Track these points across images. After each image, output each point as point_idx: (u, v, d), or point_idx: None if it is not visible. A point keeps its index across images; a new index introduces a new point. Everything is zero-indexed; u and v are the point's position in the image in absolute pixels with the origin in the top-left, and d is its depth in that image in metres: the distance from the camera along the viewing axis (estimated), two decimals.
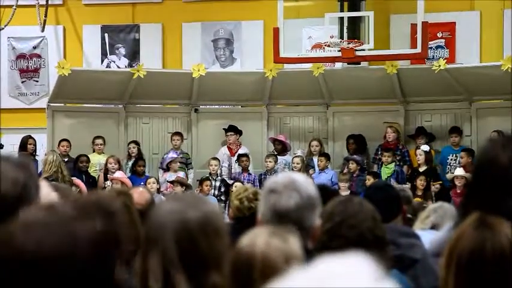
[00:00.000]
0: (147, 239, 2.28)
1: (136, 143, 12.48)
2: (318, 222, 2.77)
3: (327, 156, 12.17)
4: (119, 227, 1.68)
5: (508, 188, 2.59)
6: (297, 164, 11.96)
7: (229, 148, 12.54)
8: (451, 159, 12.00)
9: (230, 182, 11.86)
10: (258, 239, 2.42)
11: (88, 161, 11.86)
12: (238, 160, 12.18)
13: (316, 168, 12.17)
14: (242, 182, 11.27)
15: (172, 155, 12.02)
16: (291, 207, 2.71)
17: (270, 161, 12.05)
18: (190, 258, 2.22)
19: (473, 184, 2.78)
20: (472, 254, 2.09)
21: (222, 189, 11.76)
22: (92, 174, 11.92)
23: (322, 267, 1.26)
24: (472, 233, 2.12)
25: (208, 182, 11.52)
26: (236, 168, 12.31)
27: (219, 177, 11.94)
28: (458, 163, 11.64)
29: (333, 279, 1.23)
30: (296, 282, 1.26)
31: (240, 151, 12.42)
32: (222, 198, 11.56)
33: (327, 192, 3.80)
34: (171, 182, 11.22)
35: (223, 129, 12.61)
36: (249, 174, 12.07)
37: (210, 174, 11.89)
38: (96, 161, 12.11)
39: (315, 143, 12.43)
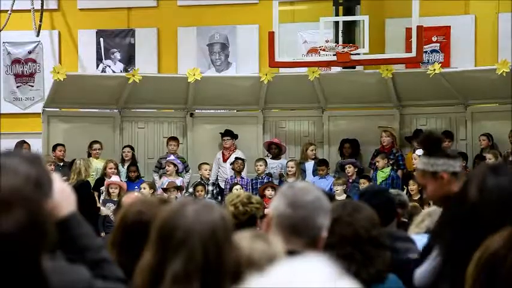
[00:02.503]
0: (170, 240, 2.23)
1: (131, 147, 12.48)
2: (325, 233, 2.78)
3: (326, 164, 12.10)
4: (44, 218, 1.67)
5: (475, 223, 2.61)
6: (291, 168, 11.92)
7: (222, 153, 12.53)
8: None
9: (222, 185, 11.92)
10: (242, 242, 2.43)
11: None
12: (233, 163, 12.08)
13: (309, 174, 12.11)
14: (241, 185, 11.31)
15: (174, 157, 12.06)
16: (309, 200, 2.78)
17: (260, 165, 12.04)
18: (214, 265, 2.20)
19: (445, 216, 2.81)
20: (497, 257, 2.07)
21: (215, 192, 11.79)
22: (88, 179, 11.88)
23: (283, 269, 1.28)
24: (502, 241, 2.09)
25: (201, 187, 11.47)
26: (228, 172, 12.22)
27: (210, 181, 11.95)
28: None
29: (294, 280, 1.26)
30: (258, 284, 1.29)
31: (234, 156, 12.38)
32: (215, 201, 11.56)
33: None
34: (164, 190, 11.03)
35: (220, 133, 12.60)
36: (242, 178, 12.02)
37: (201, 179, 11.89)
38: (94, 166, 12.06)
39: (312, 147, 12.40)
